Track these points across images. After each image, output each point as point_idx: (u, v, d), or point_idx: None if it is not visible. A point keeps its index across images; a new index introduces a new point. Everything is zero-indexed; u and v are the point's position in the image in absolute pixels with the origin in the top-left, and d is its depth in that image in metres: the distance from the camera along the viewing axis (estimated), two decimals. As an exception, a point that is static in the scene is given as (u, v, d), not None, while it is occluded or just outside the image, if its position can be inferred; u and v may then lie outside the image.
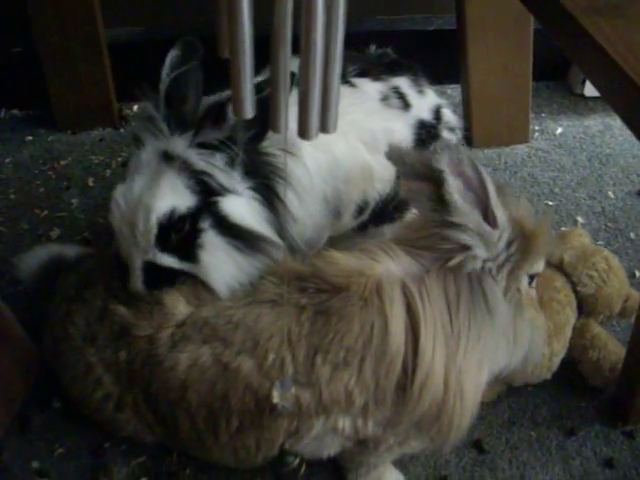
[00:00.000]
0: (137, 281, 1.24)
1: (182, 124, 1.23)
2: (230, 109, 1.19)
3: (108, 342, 1.29)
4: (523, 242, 1.15)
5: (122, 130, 2.32)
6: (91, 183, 2.11)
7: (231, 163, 1.24)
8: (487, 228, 1.11)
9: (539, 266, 1.22)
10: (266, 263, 1.25)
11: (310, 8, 0.77)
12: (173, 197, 1.20)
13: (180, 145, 1.22)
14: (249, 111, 0.84)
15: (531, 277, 1.22)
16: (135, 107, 2.36)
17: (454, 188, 1.09)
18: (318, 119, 0.85)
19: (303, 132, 0.87)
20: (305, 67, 0.81)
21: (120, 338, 1.28)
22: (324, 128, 0.87)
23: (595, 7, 1.25)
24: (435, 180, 1.12)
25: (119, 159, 2.19)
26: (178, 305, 1.24)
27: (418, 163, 1.18)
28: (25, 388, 1.49)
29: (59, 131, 2.32)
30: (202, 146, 1.22)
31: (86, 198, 2.06)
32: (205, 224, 1.22)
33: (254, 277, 1.25)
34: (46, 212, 2.01)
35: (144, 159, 1.24)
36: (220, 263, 1.22)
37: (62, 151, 2.25)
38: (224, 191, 1.23)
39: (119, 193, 1.23)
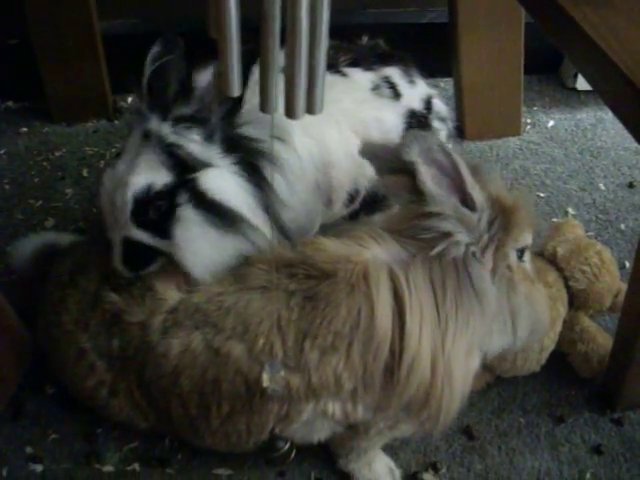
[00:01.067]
0: (117, 259, 1.25)
1: (161, 104, 1.24)
2: (195, 81, 1.21)
3: (101, 329, 1.30)
4: (504, 218, 1.16)
5: (116, 122, 2.33)
6: (85, 174, 2.12)
7: (209, 137, 1.25)
8: (466, 212, 1.12)
9: (526, 239, 1.22)
10: (243, 244, 1.26)
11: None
12: (149, 173, 1.22)
13: (155, 122, 1.24)
14: (236, 89, 0.85)
15: (520, 251, 1.21)
16: (129, 99, 2.37)
17: (427, 177, 1.11)
18: (304, 99, 0.86)
19: (289, 112, 0.88)
20: (291, 47, 0.82)
21: (113, 325, 1.29)
22: (310, 109, 0.89)
23: (583, -3, 1.26)
24: (409, 172, 1.14)
25: (113, 150, 2.20)
26: (170, 291, 1.26)
27: (390, 157, 1.19)
28: (19, 374, 1.50)
29: (54, 123, 2.33)
30: (177, 121, 1.24)
31: (80, 188, 2.07)
32: (182, 199, 1.23)
33: (229, 258, 1.25)
34: (41, 202, 2.02)
35: (130, 142, 1.27)
36: (194, 239, 1.23)
37: (57, 142, 2.25)
38: (200, 164, 1.24)
39: (107, 176, 1.26)
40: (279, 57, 0.86)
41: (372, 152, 1.25)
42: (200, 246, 1.23)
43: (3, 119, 2.36)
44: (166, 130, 1.23)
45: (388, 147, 1.22)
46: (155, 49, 1.25)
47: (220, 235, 1.24)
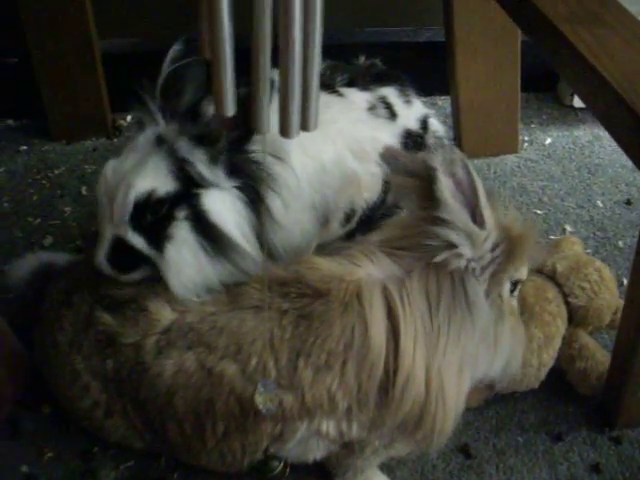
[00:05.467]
0: (101, 255, 1.25)
1: (176, 115, 1.24)
2: (203, 106, 1.22)
3: (94, 350, 1.30)
4: (508, 246, 1.16)
5: (115, 140, 2.34)
6: (84, 192, 2.13)
7: (213, 159, 1.25)
8: (475, 228, 1.12)
9: (522, 273, 1.23)
10: (231, 271, 1.25)
11: (288, 5, 0.79)
12: (154, 179, 1.22)
13: (171, 132, 1.24)
14: (230, 109, 0.86)
15: (514, 285, 1.22)
16: (129, 118, 2.38)
17: (445, 186, 1.11)
18: (299, 117, 0.87)
19: (284, 130, 0.88)
20: (284, 64, 0.83)
21: (107, 346, 1.29)
22: (304, 126, 0.89)
23: (575, 15, 1.27)
24: (426, 177, 1.14)
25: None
26: (163, 311, 1.25)
27: (411, 161, 1.20)
28: (15, 392, 1.50)
29: (53, 141, 2.34)
30: (188, 137, 1.24)
31: (79, 206, 2.07)
32: (181, 214, 1.23)
33: (215, 283, 1.25)
34: (39, 220, 2.02)
35: (140, 141, 1.26)
36: (182, 260, 1.22)
37: (56, 160, 2.26)
38: (206, 183, 1.24)
39: (109, 166, 1.25)
40: (270, 74, 0.86)
41: (392, 155, 1.26)
42: (187, 268, 1.23)
43: (3, 137, 2.37)
44: (181, 142, 1.23)
45: (409, 154, 1.24)
46: (176, 47, 1.25)
47: (209, 261, 1.23)
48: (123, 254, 1.25)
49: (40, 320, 1.43)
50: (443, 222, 1.12)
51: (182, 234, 1.22)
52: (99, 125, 2.34)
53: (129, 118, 2.38)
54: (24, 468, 1.43)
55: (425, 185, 1.16)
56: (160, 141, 1.25)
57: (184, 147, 1.23)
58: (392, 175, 1.26)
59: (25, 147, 2.33)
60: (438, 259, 1.14)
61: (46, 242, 1.95)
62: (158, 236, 1.22)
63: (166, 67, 1.24)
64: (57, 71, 2.21)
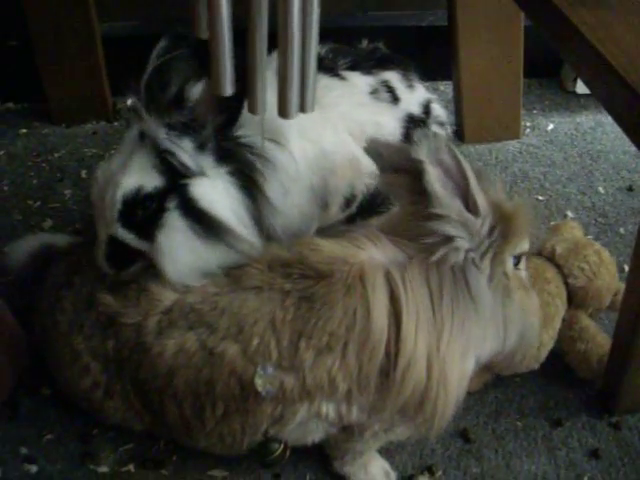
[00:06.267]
0: (100, 255, 1.26)
1: (160, 108, 1.23)
2: (190, 91, 1.21)
3: (95, 330, 1.30)
4: (504, 225, 1.15)
5: (116, 124, 2.34)
6: (84, 175, 2.12)
7: (201, 147, 1.24)
8: (469, 216, 1.11)
9: (523, 246, 1.21)
10: (226, 255, 1.25)
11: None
12: (140, 175, 1.22)
13: (152, 126, 1.23)
14: (228, 89, 0.85)
15: (517, 258, 1.21)
16: (129, 101, 2.36)
17: (434, 178, 1.09)
18: (297, 98, 0.87)
19: (282, 111, 0.88)
20: (283, 46, 0.82)
21: (108, 327, 1.28)
22: (302, 107, 0.89)
23: (579, -1, 1.26)
24: (414, 171, 1.12)
25: (112, 152, 2.20)
26: (164, 291, 1.25)
27: (396, 155, 1.18)
28: (15, 374, 1.50)
29: (53, 124, 2.34)
30: (171, 127, 1.23)
31: (79, 190, 2.07)
32: (171, 204, 1.22)
33: (210, 267, 1.24)
34: (39, 203, 2.03)
35: (126, 139, 1.27)
36: (175, 245, 1.22)
37: (56, 144, 2.26)
38: (189, 172, 1.23)
39: (100, 170, 1.27)
40: (267, 56, 0.86)
41: (377, 149, 1.24)
42: (180, 253, 1.22)
43: (3, 120, 2.37)
44: (161, 135, 1.22)
45: (393, 145, 1.22)
46: (161, 44, 1.24)
47: (203, 244, 1.23)
48: (119, 251, 1.25)
49: (40, 301, 1.43)
50: (437, 216, 1.10)
51: (172, 222, 1.22)
52: (99, 108, 2.33)
53: (129, 102, 2.37)
54: (23, 450, 1.43)
55: (414, 179, 1.14)
56: (143, 136, 1.24)
57: (165, 139, 1.22)
58: (379, 174, 1.25)
59: (25, 130, 2.33)
60: (436, 257, 1.12)
61: (46, 225, 1.95)
62: (149, 228, 1.23)
63: (151, 63, 1.23)
64: (57, 54, 2.20)
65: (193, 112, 1.22)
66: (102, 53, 2.25)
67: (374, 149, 1.25)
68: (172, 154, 1.22)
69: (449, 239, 1.12)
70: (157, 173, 1.23)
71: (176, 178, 1.23)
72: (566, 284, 1.55)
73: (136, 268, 1.27)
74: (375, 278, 1.14)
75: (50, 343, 1.38)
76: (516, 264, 1.21)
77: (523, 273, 1.25)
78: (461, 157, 1.10)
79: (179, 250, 1.23)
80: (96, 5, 2.16)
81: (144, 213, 1.22)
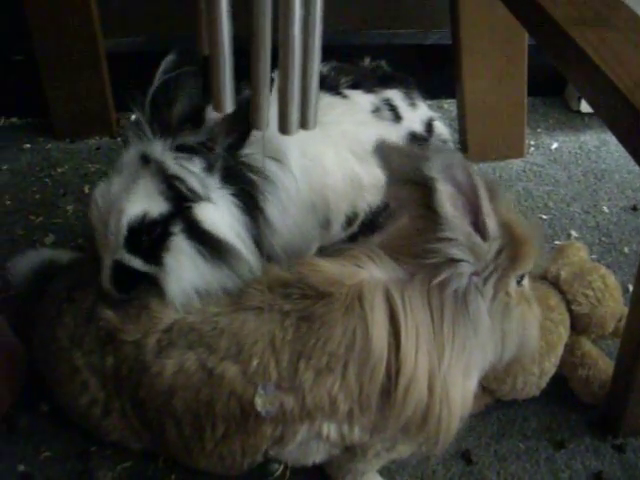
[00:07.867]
0: (106, 279, 1.25)
1: (165, 127, 1.22)
2: (208, 112, 1.20)
3: (95, 346, 1.29)
4: (512, 249, 1.13)
5: (119, 139, 2.34)
6: (87, 191, 2.12)
7: (209, 168, 1.23)
8: (478, 240, 1.09)
9: (528, 266, 1.19)
10: (230, 277, 1.25)
11: (287, 3, 0.78)
12: (146, 202, 1.21)
13: (158, 148, 1.22)
14: (229, 106, 0.85)
15: (520, 277, 1.19)
16: (133, 116, 2.37)
17: (445, 197, 1.05)
18: (298, 115, 0.86)
19: (283, 128, 0.88)
20: (284, 62, 0.82)
21: (107, 343, 1.28)
22: (304, 125, 0.88)
23: (583, 18, 1.26)
24: (424, 183, 1.09)
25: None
26: (165, 310, 1.24)
27: (405, 164, 1.15)
28: (13, 390, 1.49)
29: (57, 139, 2.34)
30: (180, 149, 1.22)
31: (82, 205, 2.06)
32: (176, 229, 1.22)
33: (214, 289, 1.24)
34: (41, 218, 2.02)
35: (125, 160, 1.25)
36: (181, 268, 1.22)
37: (59, 159, 2.26)
38: (196, 198, 1.22)
39: (99, 191, 1.25)
40: (270, 72, 0.86)
41: (386, 157, 1.19)
42: (186, 274, 1.22)
43: (6, 135, 2.38)
44: (168, 160, 1.21)
45: (404, 152, 1.18)
46: (169, 58, 1.24)
47: (208, 267, 1.23)
48: (125, 275, 1.25)
49: (40, 316, 1.42)
50: (444, 239, 1.08)
51: (178, 244, 1.22)
52: (103, 124, 2.34)
53: (133, 117, 2.37)
54: (21, 467, 1.42)
55: (423, 193, 1.10)
56: (146, 159, 1.23)
57: (174, 163, 1.21)
58: (387, 187, 1.21)
59: (29, 145, 2.33)
60: (438, 280, 1.11)
61: (47, 240, 1.94)
62: (155, 252, 1.22)
63: (157, 78, 1.23)
64: (61, 69, 2.21)
65: (211, 132, 1.21)
66: (106, 69, 2.26)
67: (383, 153, 1.20)
68: (181, 180, 1.21)
69: (454, 261, 1.10)
70: (163, 199, 1.21)
71: (182, 202, 1.22)
72: (570, 310, 1.53)
73: (142, 287, 1.27)
74: (374, 297, 1.13)
75: (49, 358, 1.37)
76: (519, 282, 1.19)
77: (526, 287, 1.22)
78: (475, 174, 1.06)
79: (185, 272, 1.22)
80: (101, 20, 2.17)
81: (149, 238, 1.21)
